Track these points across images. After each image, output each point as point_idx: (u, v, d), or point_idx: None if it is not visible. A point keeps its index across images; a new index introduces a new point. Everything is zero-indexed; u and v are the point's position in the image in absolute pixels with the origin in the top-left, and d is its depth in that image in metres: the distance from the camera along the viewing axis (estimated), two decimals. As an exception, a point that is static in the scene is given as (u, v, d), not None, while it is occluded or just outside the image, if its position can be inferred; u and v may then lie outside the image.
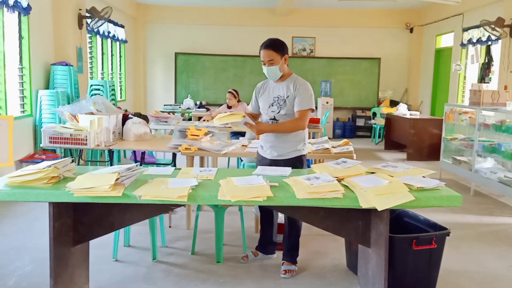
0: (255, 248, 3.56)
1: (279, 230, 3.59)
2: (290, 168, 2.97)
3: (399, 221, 3.23)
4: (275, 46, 3.13)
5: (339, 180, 2.54)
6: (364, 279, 2.87)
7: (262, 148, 3.31)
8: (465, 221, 4.60)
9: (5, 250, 3.61)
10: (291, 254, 3.31)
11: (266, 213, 3.48)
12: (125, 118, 4.64)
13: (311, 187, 2.40)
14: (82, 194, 2.34)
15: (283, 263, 3.30)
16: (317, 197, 2.35)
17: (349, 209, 2.47)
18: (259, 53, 3.15)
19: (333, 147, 4.06)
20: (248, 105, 3.29)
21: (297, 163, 3.19)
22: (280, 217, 3.62)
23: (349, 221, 2.65)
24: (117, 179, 2.40)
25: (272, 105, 3.20)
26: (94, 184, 2.36)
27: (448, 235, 2.96)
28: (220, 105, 7.60)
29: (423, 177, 2.68)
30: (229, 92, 6.84)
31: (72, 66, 6.45)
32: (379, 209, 2.30)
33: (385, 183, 2.45)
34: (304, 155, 3.27)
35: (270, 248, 3.54)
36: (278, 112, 3.18)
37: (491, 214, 4.90)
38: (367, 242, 2.67)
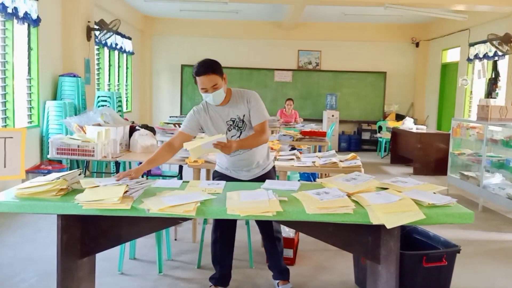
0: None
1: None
2: (299, 182, 2.94)
3: (409, 237, 3.19)
4: (215, 68, 2.82)
5: (349, 196, 2.52)
6: (373, 296, 2.82)
7: (231, 171, 3.10)
8: (473, 238, 4.55)
9: (10, 262, 3.59)
10: (285, 272, 3.22)
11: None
12: (132, 130, 4.64)
13: (321, 202, 2.38)
14: (91, 206, 2.32)
15: (278, 283, 3.20)
16: (327, 212, 2.32)
17: (358, 224, 2.43)
18: (195, 81, 2.88)
19: (340, 161, 4.03)
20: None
21: (273, 174, 3.20)
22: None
23: (359, 237, 2.61)
24: (125, 192, 2.39)
25: (230, 130, 2.99)
26: (103, 197, 2.35)
27: (459, 252, 2.92)
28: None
29: (434, 193, 2.64)
30: (291, 99, 9.12)
31: (79, 77, 6.49)
32: (388, 227, 2.27)
33: (395, 200, 2.42)
34: (274, 165, 3.28)
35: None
36: (240, 136, 2.99)
37: (500, 230, 4.84)
38: (377, 259, 2.62)
